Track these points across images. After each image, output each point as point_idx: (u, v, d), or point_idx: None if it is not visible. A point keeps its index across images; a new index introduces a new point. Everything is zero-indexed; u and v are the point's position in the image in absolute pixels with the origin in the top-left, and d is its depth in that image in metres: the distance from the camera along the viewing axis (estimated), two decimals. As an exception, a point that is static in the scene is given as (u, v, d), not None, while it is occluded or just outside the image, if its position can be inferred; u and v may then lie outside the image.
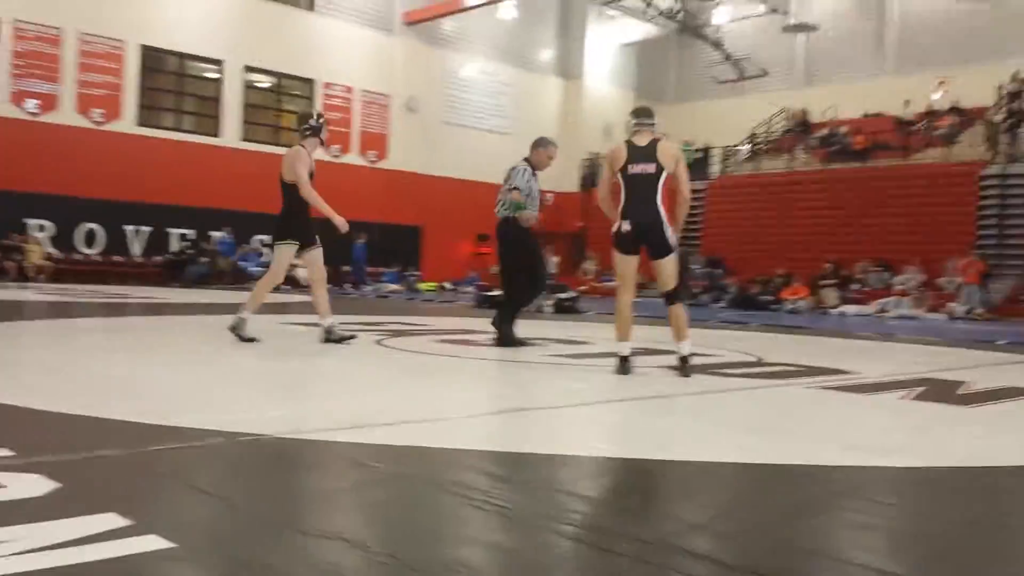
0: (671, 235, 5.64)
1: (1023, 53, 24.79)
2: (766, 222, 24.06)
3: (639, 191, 5.59)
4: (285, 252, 7.00)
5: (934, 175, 22.35)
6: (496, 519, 2.39)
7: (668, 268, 5.70)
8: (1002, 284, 19.46)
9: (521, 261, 7.60)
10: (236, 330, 6.78)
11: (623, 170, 5.64)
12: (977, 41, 26.14)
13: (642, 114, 5.81)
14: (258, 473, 2.83)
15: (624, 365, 5.58)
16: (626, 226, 5.57)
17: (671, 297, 5.76)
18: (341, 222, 6.91)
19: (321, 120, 7.17)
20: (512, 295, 7.68)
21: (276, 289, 7.41)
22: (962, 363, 8.04)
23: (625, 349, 5.61)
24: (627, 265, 5.70)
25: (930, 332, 12.81)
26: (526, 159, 7.68)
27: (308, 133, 7.12)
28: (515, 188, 7.52)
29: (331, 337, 6.98)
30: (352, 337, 7.07)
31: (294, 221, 6.98)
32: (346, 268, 23.38)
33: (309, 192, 6.85)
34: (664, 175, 5.61)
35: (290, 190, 6.91)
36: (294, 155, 6.92)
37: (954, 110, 24.90)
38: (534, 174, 7.63)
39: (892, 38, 28.55)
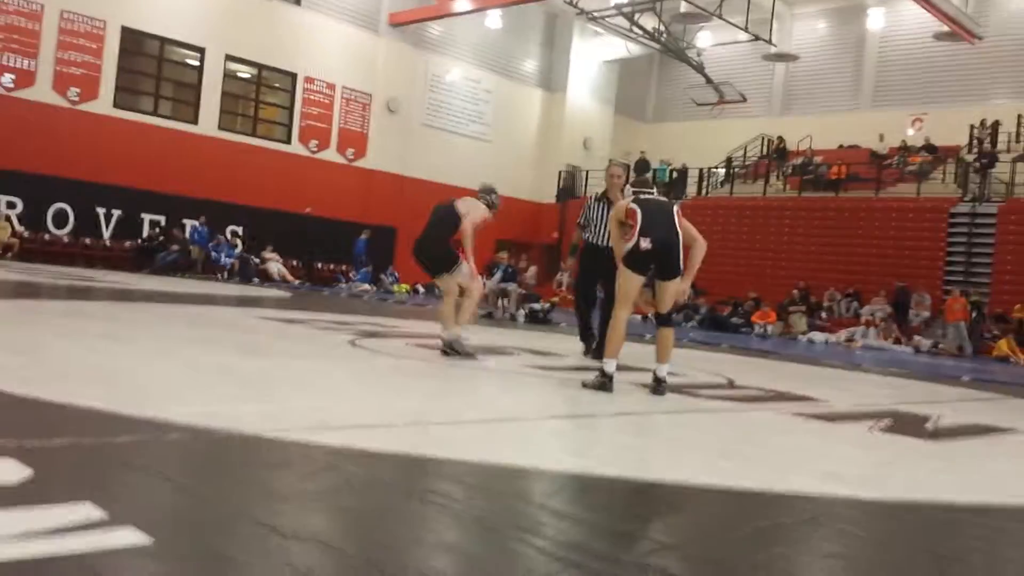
0: (682, 260, 5.68)
1: (997, 95, 25.27)
2: (738, 245, 24.25)
3: (656, 214, 5.63)
4: (462, 271, 7.00)
5: (905, 209, 22.70)
6: (472, 529, 2.39)
7: (672, 290, 5.72)
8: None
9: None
10: (453, 348, 6.73)
11: (636, 199, 5.70)
12: (952, 81, 26.59)
13: (643, 174, 5.97)
14: (234, 470, 2.81)
15: (609, 383, 5.47)
16: (646, 243, 5.51)
17: (666, 319, 5.80)
18: (471, 270, 7.04)
19: (498, 197, 7.39)
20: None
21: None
22: (928, 397, 8.15)
23: (612, 366, 5.52)
24: (634, 283, 5.66)
25: (896, 364, 12.99)
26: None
27: (488, 202, 7.26)
28: (578, 224, 7.95)
29: (450, 349, 6.77)
30: (471, 355, 6.79)
31: (451, 252, 7.03)
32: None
33: (472, 244, 6.99)
34: (676, 205, 5.75)
35: (451, 223, 6.98)
36: (483, 209, 7.15)
37: (927, 147, 25.30)
38: (600, 199, 7.81)
39: (870, 73, 28.95)
